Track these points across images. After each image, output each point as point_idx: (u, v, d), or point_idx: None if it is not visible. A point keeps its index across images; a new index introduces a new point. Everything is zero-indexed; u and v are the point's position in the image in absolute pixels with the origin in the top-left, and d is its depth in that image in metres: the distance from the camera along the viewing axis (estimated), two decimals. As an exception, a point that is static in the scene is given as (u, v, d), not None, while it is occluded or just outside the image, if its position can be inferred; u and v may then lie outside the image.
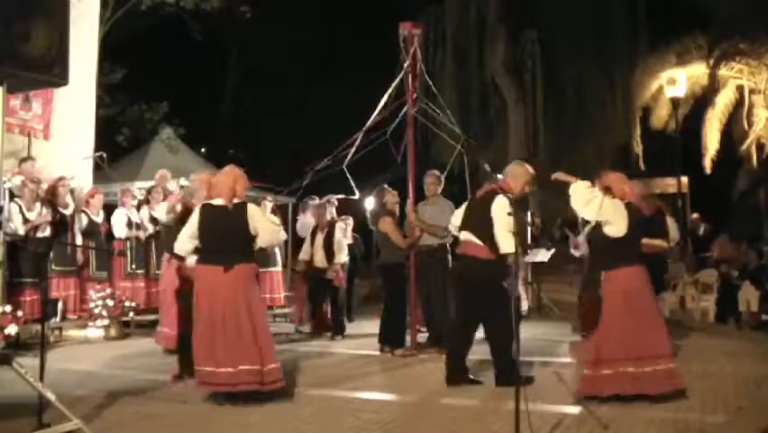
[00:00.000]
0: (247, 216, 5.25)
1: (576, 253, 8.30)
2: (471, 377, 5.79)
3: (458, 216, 6.10)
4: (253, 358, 5.02)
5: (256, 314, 5.17)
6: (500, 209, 5.53)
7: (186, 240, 5.38)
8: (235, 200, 5.27)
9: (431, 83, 8.32)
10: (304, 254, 9.35)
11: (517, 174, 5.90)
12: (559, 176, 5.50)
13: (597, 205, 5.19)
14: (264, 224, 5.43)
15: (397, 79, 7.92)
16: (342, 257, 9.08)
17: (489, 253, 5.63)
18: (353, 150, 7.81)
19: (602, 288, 5.39)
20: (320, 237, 9.10)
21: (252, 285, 5.27)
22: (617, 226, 5.23)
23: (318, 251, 9.08)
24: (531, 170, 5.97)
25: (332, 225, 9.14)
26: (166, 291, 7.06)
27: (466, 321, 5.86)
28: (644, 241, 5.85)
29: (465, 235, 5.85)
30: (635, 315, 5.15)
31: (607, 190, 5.37)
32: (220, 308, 5.07)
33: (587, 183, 5.37)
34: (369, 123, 7.95)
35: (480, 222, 5.72)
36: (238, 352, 5.02)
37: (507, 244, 5.51)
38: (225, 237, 5.21)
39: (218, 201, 5.29)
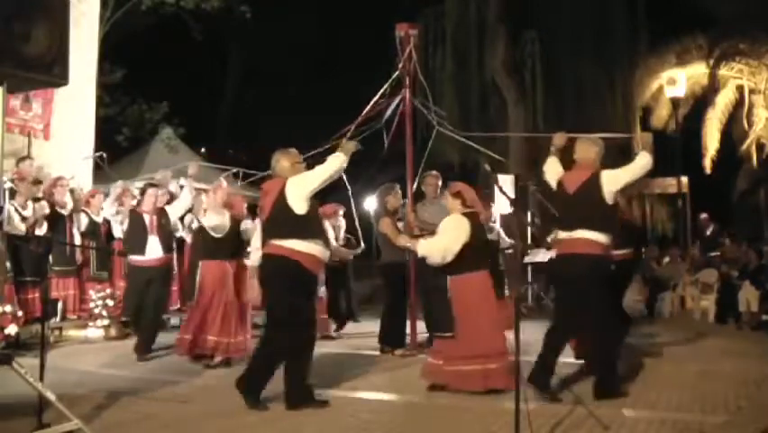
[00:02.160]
0: None
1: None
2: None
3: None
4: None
5: None
6: (613, 182, 5.28)
7: None
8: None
9: (425, 84, 8.31)
10: None
11: (590, 153, 5.46)
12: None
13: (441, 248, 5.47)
14: None
15: (392, 79, 7.94)
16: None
17: (601, 249, 5.25)
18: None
19: (449, 292, 5.58)
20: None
21: None
22: (446, 242, 5.48)
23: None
24: (598, 140, 5.62)
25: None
26: (212, 295, 6.88)
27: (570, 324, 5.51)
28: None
29: (578, 233, 5.28)
30: (478, 317, 5.42)
31: (457, 195, 5.66)
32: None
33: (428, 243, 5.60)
34: (360, 118, 7.98)
35: (595, 211, 5.26)
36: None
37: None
38: None
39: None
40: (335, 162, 5.14)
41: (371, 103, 8.01)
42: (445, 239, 5.49)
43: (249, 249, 7.09)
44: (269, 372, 5.05)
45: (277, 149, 5.41)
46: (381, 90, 8.00)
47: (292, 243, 5.00)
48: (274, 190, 5.18)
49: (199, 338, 6.79)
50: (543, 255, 9.11)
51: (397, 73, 7.94)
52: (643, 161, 5.41)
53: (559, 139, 5.93)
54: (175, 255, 8.83)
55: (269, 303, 5.25)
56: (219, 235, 6.90)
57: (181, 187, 8.13)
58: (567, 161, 5.89)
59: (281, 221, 5.07)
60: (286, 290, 5.06)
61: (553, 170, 5.78)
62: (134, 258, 7.39)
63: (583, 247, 5.25)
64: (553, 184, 5.70)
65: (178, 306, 9.46)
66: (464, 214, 5.58)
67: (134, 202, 8.57)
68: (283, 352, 5.04)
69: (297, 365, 5.05)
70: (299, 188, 5.06)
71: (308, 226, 5.07)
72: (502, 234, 9.09)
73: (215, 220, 6.87)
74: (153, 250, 7.38)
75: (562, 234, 5.47)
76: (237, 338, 6.81)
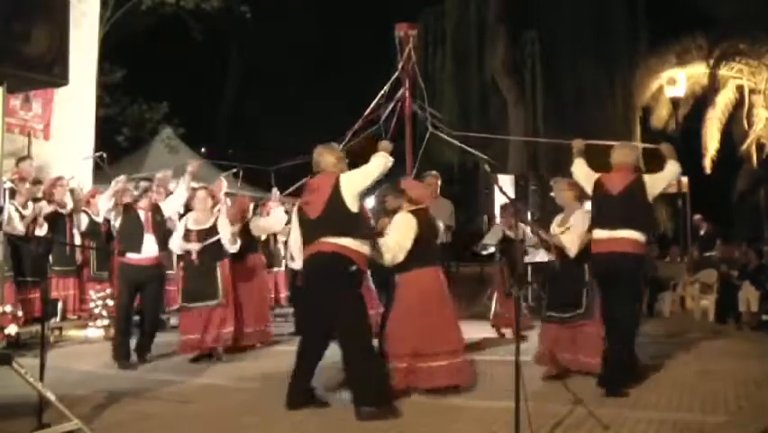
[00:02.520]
0: None
1: None
2: None
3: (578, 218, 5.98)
4: None
5: None
6: (655, 186, 5.67)
7: None
8: None
9: (423, 85, 8.32)
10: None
11: (630, 157, 5.81)
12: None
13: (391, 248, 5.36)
14: None
15: (392, 80, 7.96)
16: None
17: (642, 248, 5.62)
18: (345, 142, 7.89)
19: (396, 289, 5.55)
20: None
21: None
22: (397, 240, 5.39)
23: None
24: (635, 146, 6.09)
25: None
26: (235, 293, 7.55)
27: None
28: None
29: (622, 233, 5.53)
30: (427, 314, 5.33)
31: (402, 193, 5.62)
32: None
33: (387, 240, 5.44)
34: (359, 123, 8.00)
35: (636, 213, 5.61)
36: None
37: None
38: None
39: None
40: (382, 162, 5.08)
41: (371, 106, 8.03)
42: (394, 237, 5.44)
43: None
44: (372, 367, 4.93)
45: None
46: (381, 93, 8.02)
47: (347, 241, 4.92)
48: (326, 186, 5.02)
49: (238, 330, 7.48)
50: (542, 255, 9.09)
51: (397, 74, 7.96)
52: (675, 168, 5.77)
53: (579, 143, 6.19)
54: (175, 255, 8.82)
55: (325, 303, 5.00)
56: (235, 248, 7.31)
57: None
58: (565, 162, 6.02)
59: (336, 218, 4.94)
60: (344, 287, 4.94)
61: (584, 172, 6.00)
62: (130, 256, 7.01)
63: (628, 246, 5.52)
64: (588, 186, 5.91)
65: (178, 306, 9.45)
66: (411, 211, 5.50)
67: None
68: (368, 343, 5.00)
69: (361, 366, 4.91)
70: (354, 186, 5.00)
71: (360, 225, 5.05)
72: (528, 232, 8.97)
73: (228, 235, 7.27)
74: (150, 248, 7.09)
75: (603, 233, 5.63)
76: (258, 328, 7.93)
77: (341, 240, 4.92)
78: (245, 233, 7.83)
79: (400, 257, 5.36)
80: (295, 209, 5.35)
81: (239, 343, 7.60)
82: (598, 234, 5.65)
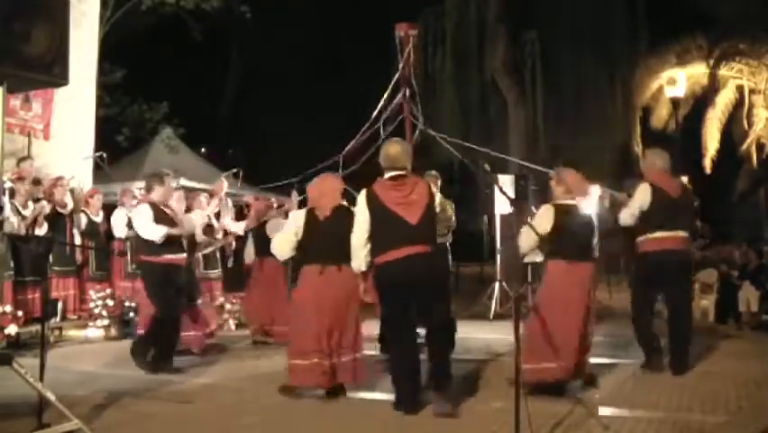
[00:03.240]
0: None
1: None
2: None
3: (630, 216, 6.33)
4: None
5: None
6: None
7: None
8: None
9: (416, 90, 8.31)
10: None
11: (668, 161, 6.35)
12: None
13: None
14: None
15: (393, 81, 7.98)
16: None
17: (688, 244, 6.33)
18: (348, 147, 7.92)
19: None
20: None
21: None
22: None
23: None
24: (664, 153, 6.45)
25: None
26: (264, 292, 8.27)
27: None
28: None
29: (680, 233, 6.19)
30: (327, 312, 5.26)
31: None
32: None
33: None
34: (364, 128, 8.03)
35: (690, 215, 6.40)
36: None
37: None
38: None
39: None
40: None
41: (376, 111, 8.06)
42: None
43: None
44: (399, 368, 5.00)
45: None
46: (384, 97, 8.04)
47: (433, 248, 5.07)
48: (423, 193, 5.09)
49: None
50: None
51: (397, 76, 7.99)
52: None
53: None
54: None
55: (437, 299, 5.23)
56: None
57: (182, 187, 8.10)
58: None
59: (430, 226, 5.11)
60: (442, 288, 5.39)
61: (631, 210, 6.32)
62: (170, 256, 6.49)
63: (683, 244, 6.21)
64: (645, 202, 6.22)
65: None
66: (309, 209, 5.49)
67: (134, 202, 8.57)
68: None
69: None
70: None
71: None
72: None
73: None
74: (184, 248, 6.76)
75: (661, 234, 6.15)
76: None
77: (432, 247, 5.04)
78: (264, 235, 7.99)
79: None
80: (364, 200, 5.06)
81: (269, 337, 8.09)
82: (656, 234, 6.15)
